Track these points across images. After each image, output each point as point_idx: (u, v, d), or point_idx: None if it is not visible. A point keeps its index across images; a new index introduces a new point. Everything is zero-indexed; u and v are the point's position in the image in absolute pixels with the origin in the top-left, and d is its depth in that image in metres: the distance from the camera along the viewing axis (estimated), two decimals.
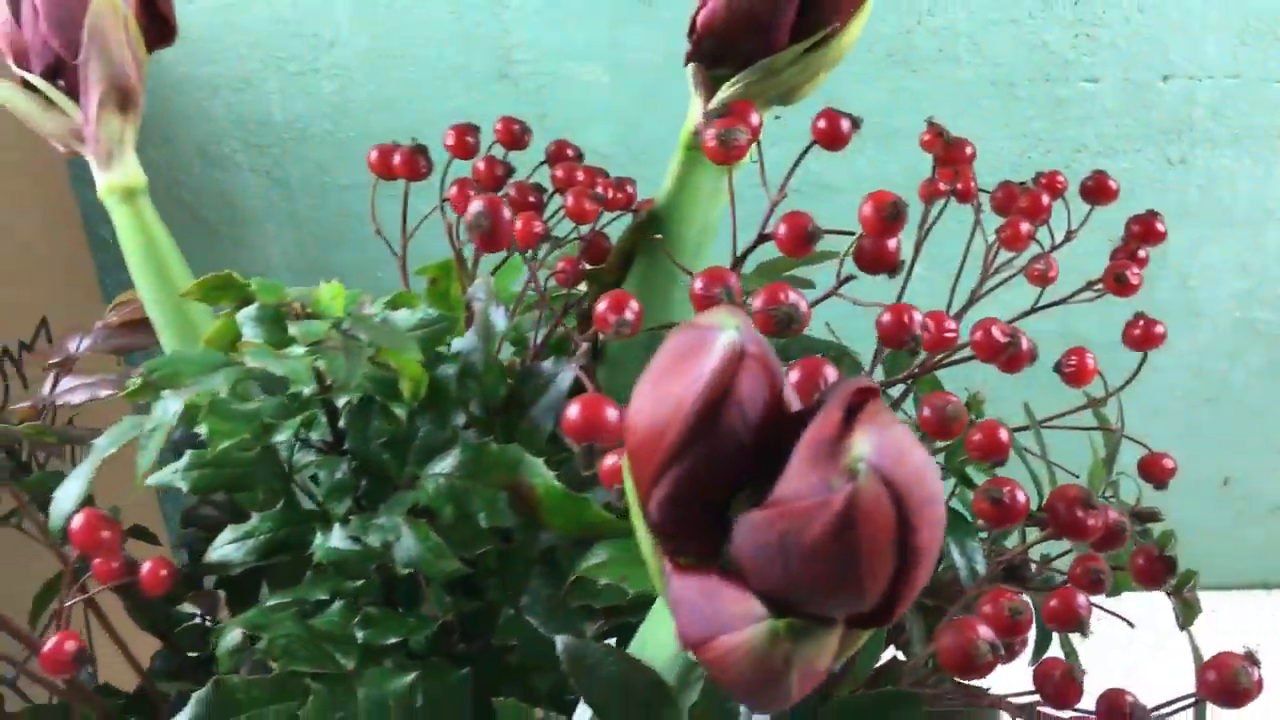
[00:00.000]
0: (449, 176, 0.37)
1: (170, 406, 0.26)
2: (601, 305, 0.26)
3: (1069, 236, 0.38)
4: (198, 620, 0.39)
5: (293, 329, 0.29)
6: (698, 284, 0.25)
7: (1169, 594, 0.33)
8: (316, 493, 0.35)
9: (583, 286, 0.38)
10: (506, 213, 0.29)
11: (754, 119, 0.30)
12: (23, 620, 0.37)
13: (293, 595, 0.32)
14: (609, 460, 0.26)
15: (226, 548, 0.34)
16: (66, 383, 0.37)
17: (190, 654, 0.38)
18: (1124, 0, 0.53)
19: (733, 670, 0.17)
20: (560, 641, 0.25)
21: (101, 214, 0.38)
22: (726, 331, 0.16)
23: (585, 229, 0.35)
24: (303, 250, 0.62)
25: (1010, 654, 0.28)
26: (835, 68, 0.33)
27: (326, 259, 0.61)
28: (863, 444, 0.14)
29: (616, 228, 0.38)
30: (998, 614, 0.26)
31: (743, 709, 0.25)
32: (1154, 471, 0.38)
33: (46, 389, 0.38)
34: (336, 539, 0.32)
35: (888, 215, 0.26)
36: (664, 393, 0.16)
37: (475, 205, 0.28)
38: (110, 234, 0.63)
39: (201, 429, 0.31)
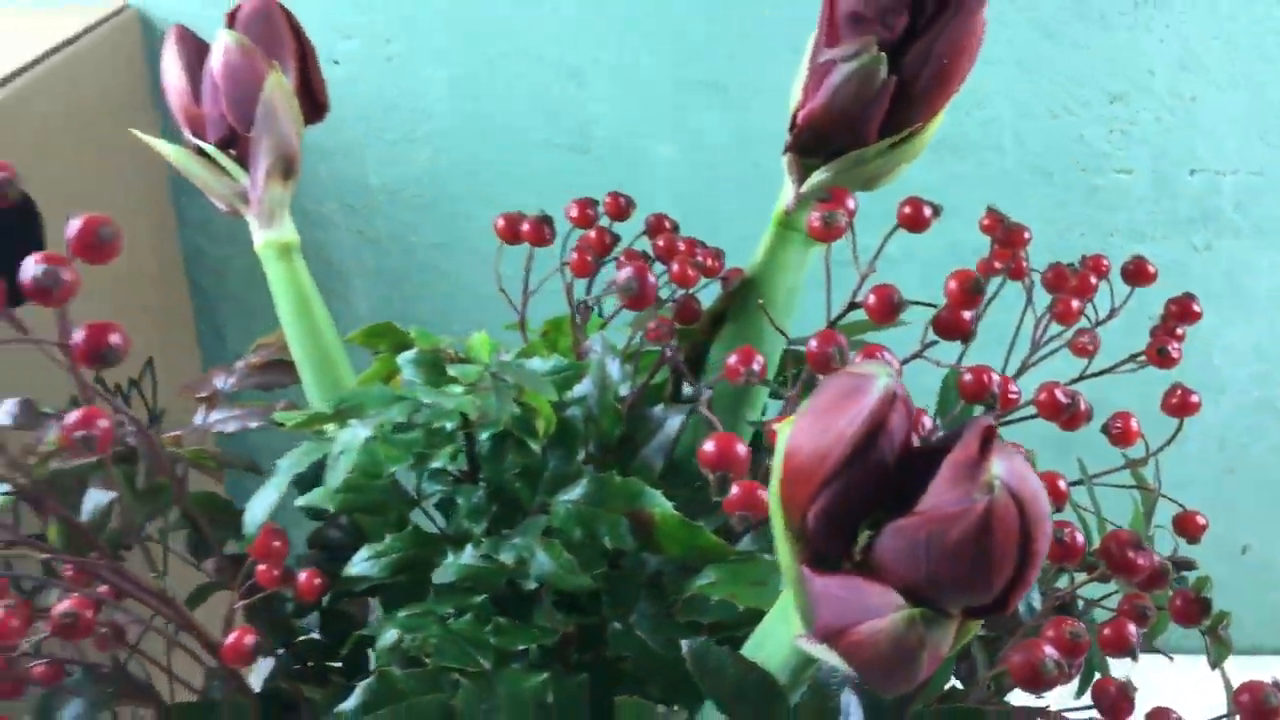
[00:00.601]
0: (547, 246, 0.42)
1: (359, 433, 0.31)
2: (733, 359, 0.30)
3: (1112, 314, 0.43)
4: (314, 635, 0.43)
5: (451, 371, 0.33)
6: (813, 343, 0.30)
7: (1203, 633, 0.37)
8: (437, 519, 0.40)
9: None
10: (651, 278, 0.33)
11: (850, 203, 0.34)
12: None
13: (423, 608, 0.36)
14: (732, 494, 0.30)
15: (363, 564, 0.38)
16: (217, 414, 0.42)
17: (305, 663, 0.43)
18: (1155, 101, 0.58)
19: (872, 652, 0.21)
20: (685, 645, 0.30)
21: (202, 264, 0.42)
22: (882, 379, 0.20)
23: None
24: (388, 303, 0.67)
25: (1067, 676, 0.32)
26: (916, 158, 0.38)
27: (409, 311, 0.66)
28: (997, 467, 0.19)
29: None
30: (1060, 637, 0.30)
31: (845, 704, 0.29)
32: (1187, 527, 0.42)
33: (199, 418, 0.42)
34: (468, 557, 0.36)
35: (971, 289, 0.31)
36: (827, 424, 0.21)
37: (626, 271, 0.33)
38: (208, 282, 0.68)
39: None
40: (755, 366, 0.30)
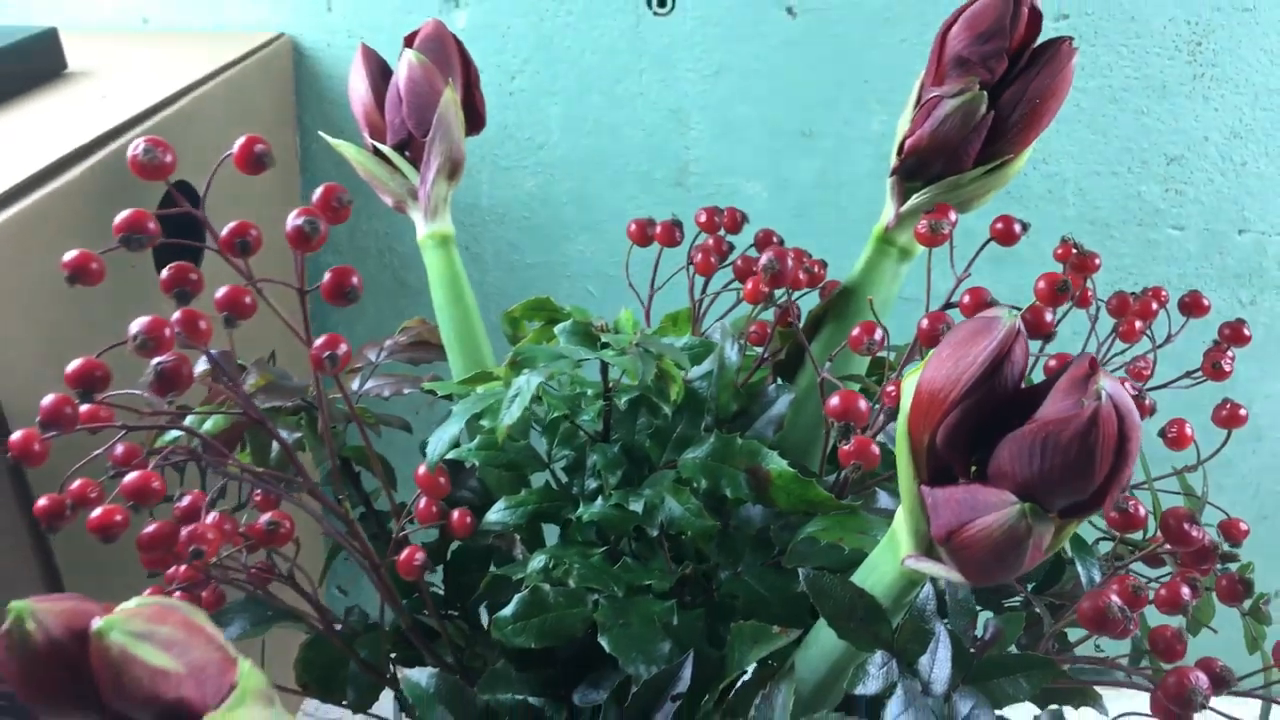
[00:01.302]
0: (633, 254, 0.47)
1: (532, 380, 0.36)
2: (856, 330, 0.36)
3: (1169, 339, 0.48)
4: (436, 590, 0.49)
5: (603, 339, 0.39)
6: (924, 323, 0.35)
7: (1243, 614, 0.42)
8: (562, 477, 0.45)
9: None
10: (789, 260, 0.39)
11: (952, 217, 0.40)
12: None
13: (553, 551, 0.41)
14: (847, 447, 0.35)
15: (502, 513, 0.43)
16: (374, 381, 0.48)
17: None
18: (1209, 164, 0.64)
19: (985, 543, 0.27)
20: (803, 573, 0.35)
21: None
22: (1007, 318, 0.26)
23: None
24: (486, 315, 0.73)
25: (1126, 629, 0.37)
26: (1005, 186, 0.43)
27: None
28: (1103, 382, 0.24)
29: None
30: (1124, 589, 0.35)
31: (937, 631, 0.34)
32: (1231, 533, 0.46)
33: (355, 385, 0.48)
34: (600, 506, 0.41)
35: (1058, 288, 0.37)
36: (960, 355, 0.26)
37: (768, 253, 0.39)
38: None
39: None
40: (876, 337, 0.36)
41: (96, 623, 0.21)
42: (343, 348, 0.33)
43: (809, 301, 0.47)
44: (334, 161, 0.71)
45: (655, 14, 0.65)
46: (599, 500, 0.41)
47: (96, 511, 0.31)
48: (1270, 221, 0.65)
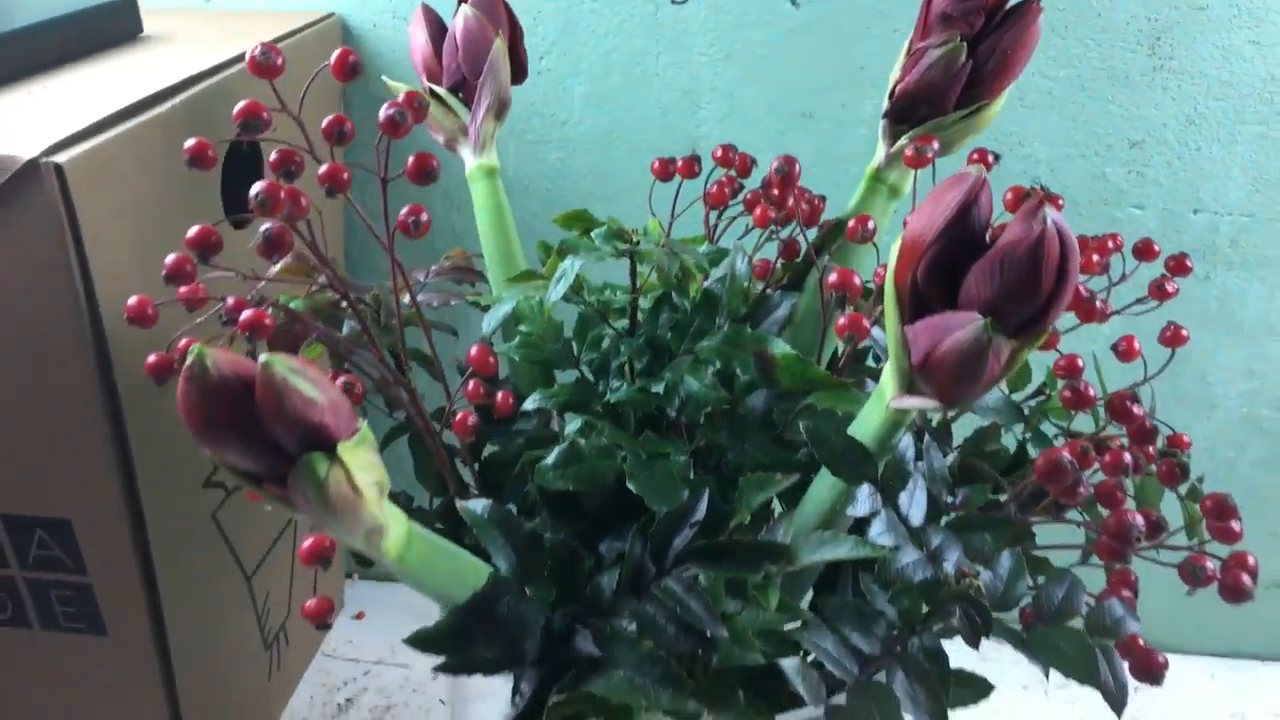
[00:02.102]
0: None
1: (575, 262, 0.43)
2: (852, 222, 0.43)
3: (1123, 278, 0.55)
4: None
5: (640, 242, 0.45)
6: (909, 150, 0.42)
7: (1180, 497, 0.48)
8: (586, 373, 0.51)
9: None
10: (796, 168, 0.46)
11: (935, 145, 0.47)
12: None
13: (587, 419, 0.47)
14: (841, 321, 0.42)
15: (538, 401, 0.49)
16: (423, 296, 0.54)
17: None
18: (1167, 149, 0.71)
19: (956, 356, 0.33)
20: (803, 424, 0.41)
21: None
22: (974, 172, 0.32)
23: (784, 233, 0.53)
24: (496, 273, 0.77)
25: (1076, 494, 0.43)
26: (981, 131, 0.50)
27: None
28: (1048, 211, 0.31)
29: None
30: (1074, 449, 0.42)
31: (915, 475, 0.40)
32: (1176, 443, 0.53)
33: (406, 299, 0.54)
34: (623, 391, 0.47)
35: (1025, 196, 0.43)
36: (935, 205, 0.33)
37: (778, 160, 0.45)
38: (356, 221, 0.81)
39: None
40: (869, 227, 0.43)
41: (264, 357, 0.27)
42: (424, 216, 0.39)
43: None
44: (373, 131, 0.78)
45: (673, 3, 0.72)
46: (624, 387, 0.48)
47: (246, 313, 0.36)
48: (1222, 202, 0.72)
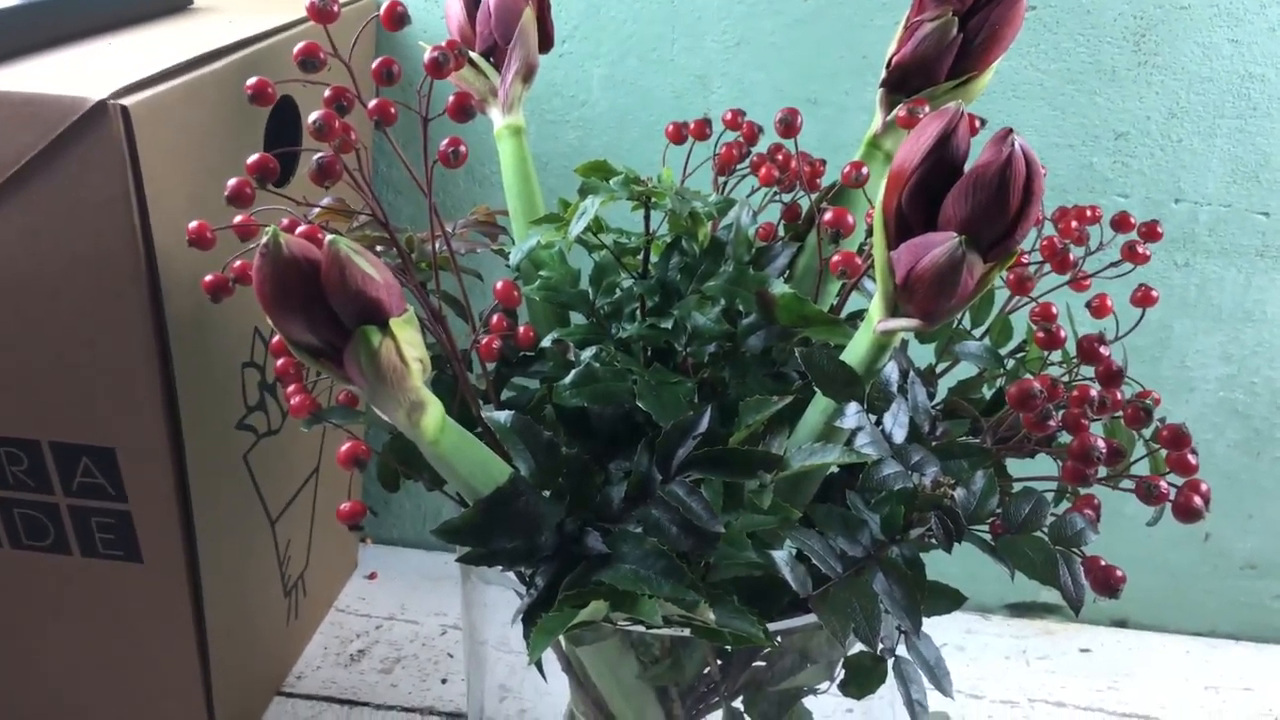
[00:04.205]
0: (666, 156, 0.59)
1: (594, 202, 0.47)
2: (846, 168, 0.47)
3: (1100, 247, 0.59)
4: None
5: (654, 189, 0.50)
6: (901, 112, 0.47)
7: (1144, 440, 0.52)
8: (600, 319, 0.55)
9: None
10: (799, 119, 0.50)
11: (926, 109, 0.51)
12: None
13: (602, 346, 0.52)
14: (835, 257, 0.46)
15: (557, 334, 0.54)
16: (455, 244, 0.58)
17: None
18: (1150, 141, 0.76)
19: (934, 272, 0.37)
20: (798, 351, 0.45)
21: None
22: (955, 104, 0.37)
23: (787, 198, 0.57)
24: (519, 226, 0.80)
25: (1046, 425, 0.47)
26: (971, 102, 0.54)
27: None
28: (1015, 138, 0.35)
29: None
30: (1045, 379, 0.46)
31: (897, 402, 0.44)
32: (1143, 397, 0.57)
33: (434, 221, 0.58)
34: (635, 328, 0.52)
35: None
36: (918, 137, 0.37)
37: (782, 111, 0.50)
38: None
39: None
40: (863, 172, 0.47)
41: (330, 237, 0.32)
42: (463, 147, 0.44)
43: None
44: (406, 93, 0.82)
45: None
46: (636, 323, 0.52)
47: (301, 227, 0.41)
48: (1202, 192, 0.76)
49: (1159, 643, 0.90)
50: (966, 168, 0.38)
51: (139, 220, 0.55)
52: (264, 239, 0.32)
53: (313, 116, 0.42)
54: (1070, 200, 0.78)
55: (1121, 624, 0.90)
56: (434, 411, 0.38)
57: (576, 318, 0.57)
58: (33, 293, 0.57)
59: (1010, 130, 0.35)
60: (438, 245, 0.52)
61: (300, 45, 0.44)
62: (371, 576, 0.97)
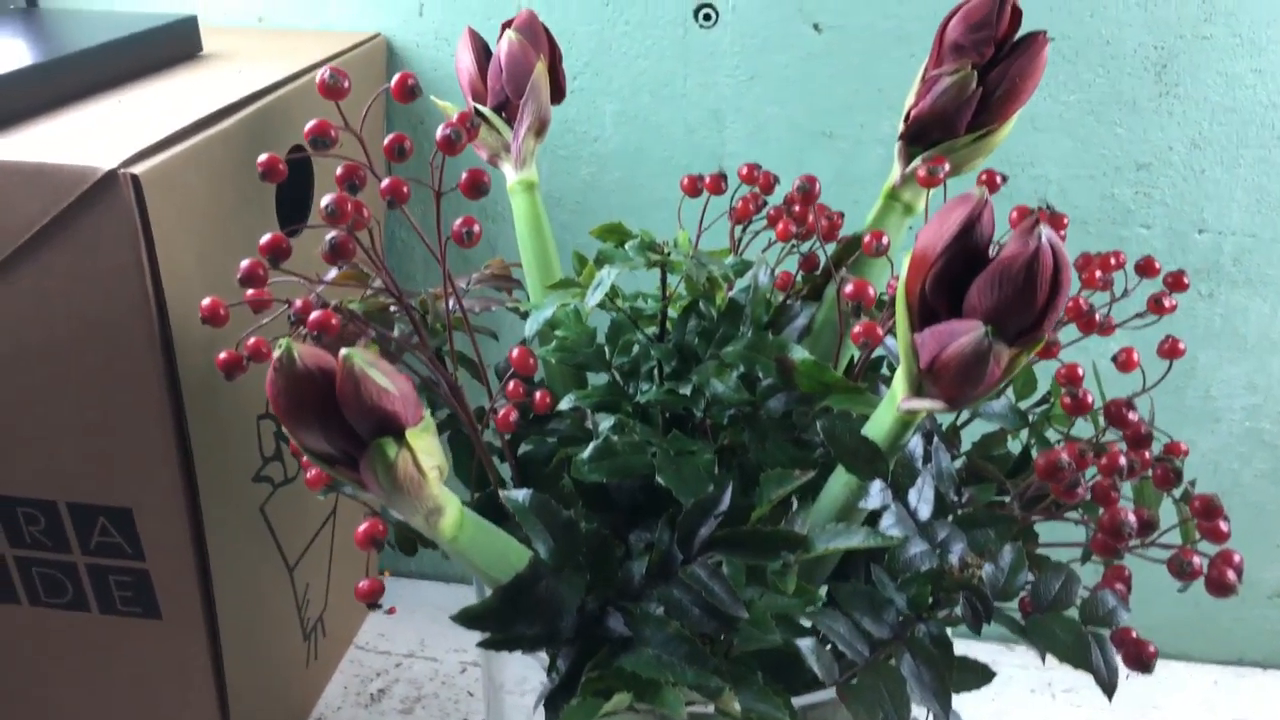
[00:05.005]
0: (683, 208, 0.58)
1: (611, 271, 0.46)
2: (867, 237, 0.46)
3: (1126, 293, 0.58)
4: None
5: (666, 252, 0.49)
6: (921, 171, 0.46)
7: (1175, 501, 0.51)
8: (617, 377, 0.55)
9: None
10: (816, 187, 0.49)
11: (946, 167, 0.50)
12: None
13: (619, 418, 0.51)
14: (856, 329, 0.45)
15: (572, 401, 0.53)
16: (467, 301, 0.57)
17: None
18: (1173, 172, 0.74)
19: (960, 360, 0.36)
20: (820, 423, 0.44)
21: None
22: (978, 193, 0.36)
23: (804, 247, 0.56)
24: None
25: (1074, 494, 0.46)
26: (990, 154, 0.53)
27: None
28: (1043, 229, 0.34)
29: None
30: (1072, 450, 0.45)
31: (922, 475, 0.44)
32: (1173, 450, 0.56)
33: (449, 296, 0.58)
34: (653, 391, 0.51)
35: (1029, 213, 0.47)
36: (941, 222, 0.36)
37: (800, 179, 0.49)
38: (390, 240, 0.85)
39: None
40: (883, 242, 0.46)
41: (344, 351, 0.31)
42: (477, 227, 0.43)
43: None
44: (417, 143, 0.82)
45: (701, 27, 0.76)
46: (653, 389, 0.51)
47: (315, 314, 0.40)
48: (1225, 223, 0.75)
49: (1186, 673, 0.89)
50: (988, 236, 0.37)
51: (151, 285, 0.54)
52: (276, 353, 0.31)
53: (325, 201, 0.41)
54: (1091, 231, 0.77)
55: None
56: (452, 511, 0.38)
57: (593, 375, 0.57)
58: (46, 356, 0.57)
59: (1037, 221, 0.34)
60: (451, 310, 0.51)
61: (311, 124, 0.43)
62: (390, 611, 0.96)
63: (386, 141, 0.43)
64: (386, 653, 0.92)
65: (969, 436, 0.57)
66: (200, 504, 0.62)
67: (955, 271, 0.37)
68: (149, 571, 0.64)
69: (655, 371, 0.53)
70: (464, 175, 0.44)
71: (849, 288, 0.44)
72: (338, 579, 0.85)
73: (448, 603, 0.97)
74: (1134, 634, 0.44)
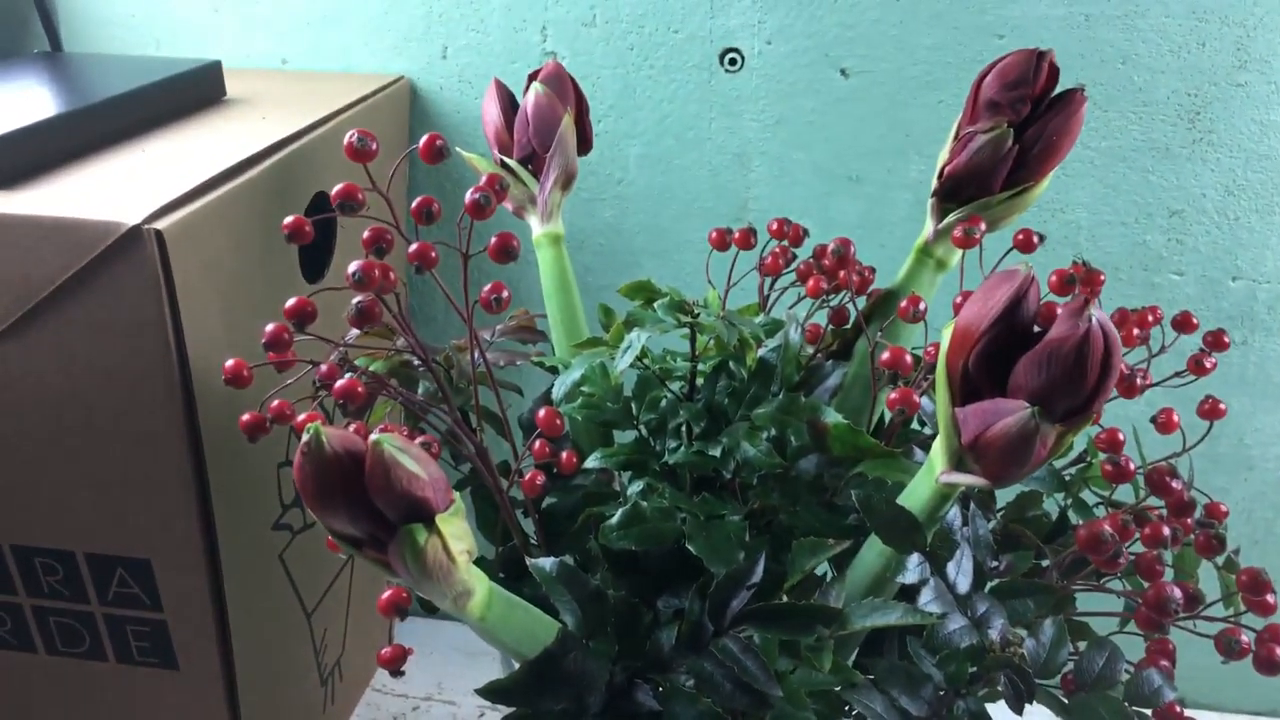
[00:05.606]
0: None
1: (641, 335, 0.45)
2: (904, 303, 0.45)
3: (1163, 349, 0.57)
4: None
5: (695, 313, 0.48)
6: (957, 232, 0.45)
7: (1218, 567, 0.50)
8: (644, 433, 0.54)
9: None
10: (852, 249, 0.48)
11: (982, 226, 0.49)
12: None
13: (648, 480, 0.50)
14: (893, 395, 0.44)
15: (599, 460, 0.52)
16: (491, 355, 0.57)
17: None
18: (1206, 219, 0.73)
19: (1005, 440, 0.35)
20: (855, 493, 0.43)
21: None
22: (1024, 269, 0.35)
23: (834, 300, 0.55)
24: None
25: (1116, 564, 0.45)
26: (1025, 210, 0.52)
27: None
28: (1094, 310, 0.33)
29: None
30: (1114, 521, 0.44)
31: (961, 545, 0.43)
32: (1213, 513, 0.54)
33: (475, 355, 0.57)
34: (682, 453, 0.50)
35: (1067, 280, 0.46)
36: (987, 297, 0.35)
37: (835, 241, 0.48)
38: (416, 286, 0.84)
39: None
40: (920, 308, 0.45)
41: (375, 436, 0.30)
42: (506, 293, 0.42)
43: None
44: (437, 186, 0.81)
45: (726, 71, 0.75)
46: (682, 449, 0.50)
47: (342, 381, 0.39)
48: (1260, 270, 0.74)
49: None
50: (1033, 313, 0.36)
51: (174, 339, 0.54)
52: (305, 437, 0.30)
53: (351, 269, 0.40)
54: (1123, 278, 0.76)
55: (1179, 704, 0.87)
56: (480, 593, 0.37)
57: (619, 432, 0.56)
58: (67, 408, 0.56)
59: (1087, 301, 0.33)
60: (477, 368, 0.51)
61: (338, 188, 0.43)
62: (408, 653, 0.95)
63: (414, 206, 0.43)
64: (404, 695, 0.91)
65: (1002, 494, 0.56)
66: (219, 554, 0.61)
67: (1000, 347, 0.36)
68: (167, 622, 0.63)
69: (683, 429, 0.52)
70: (493, 240, 0.43)
71: (885, 356, 0.43)
72: (355, 622, 0.84)
73: (467, 644, 0.96)
74: (1179, 710, 0.43)
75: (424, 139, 0.44)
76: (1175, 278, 0.75)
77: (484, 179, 0.44)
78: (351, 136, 0.43)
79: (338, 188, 0.42)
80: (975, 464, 0.37)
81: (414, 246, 0.42)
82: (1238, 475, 0.80)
